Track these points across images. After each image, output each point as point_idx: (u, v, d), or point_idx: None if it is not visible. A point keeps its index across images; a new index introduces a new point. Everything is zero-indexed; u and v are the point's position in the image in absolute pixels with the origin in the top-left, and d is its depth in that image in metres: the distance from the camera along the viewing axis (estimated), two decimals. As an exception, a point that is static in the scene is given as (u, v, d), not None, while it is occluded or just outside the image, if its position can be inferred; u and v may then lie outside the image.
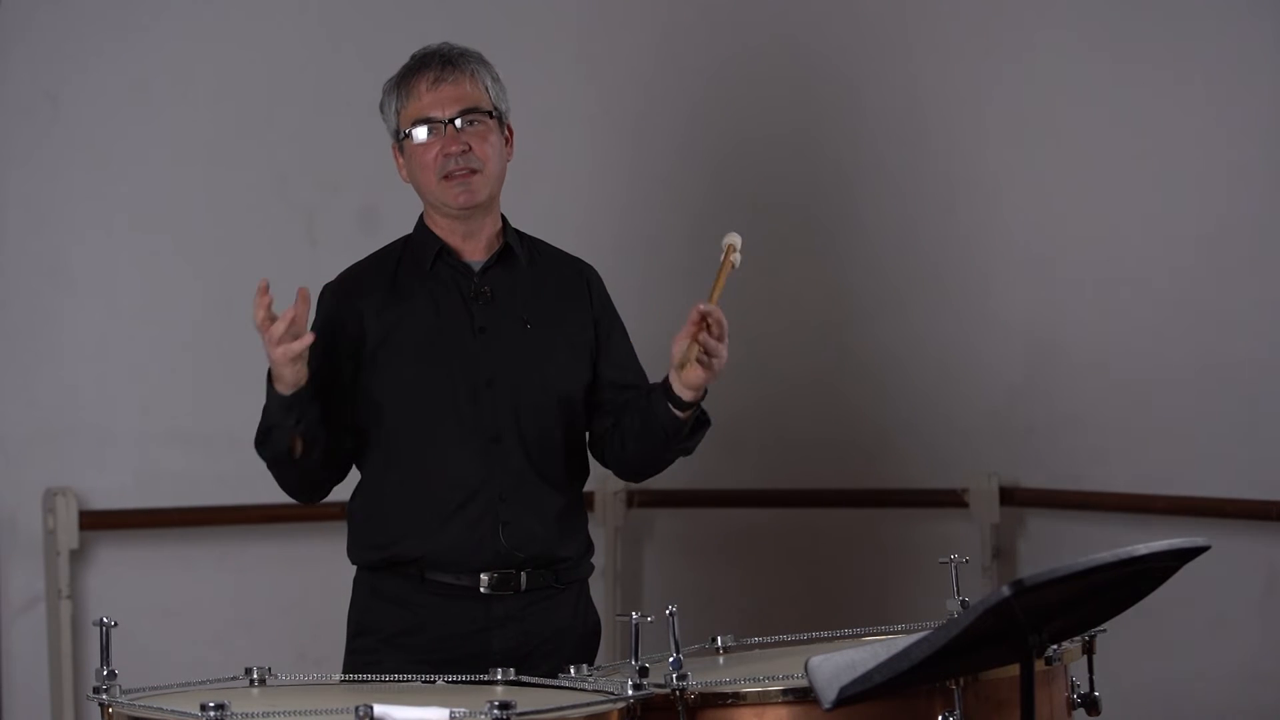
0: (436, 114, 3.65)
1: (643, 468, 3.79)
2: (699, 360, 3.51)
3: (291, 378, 3.50)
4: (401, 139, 3.69)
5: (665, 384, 3.59)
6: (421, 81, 3.67)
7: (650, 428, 3.64)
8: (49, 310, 5.13)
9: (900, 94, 5.42)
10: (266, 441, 3.59)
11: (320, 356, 3.60)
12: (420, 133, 3.65)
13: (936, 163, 5.37)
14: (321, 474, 3.68)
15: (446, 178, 3.65)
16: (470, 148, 3.65)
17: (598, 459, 3.81)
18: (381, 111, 3.73)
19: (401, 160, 3.72)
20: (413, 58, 3.72)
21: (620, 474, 3.86)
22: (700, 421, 3.65)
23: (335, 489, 3.88)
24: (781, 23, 5.57)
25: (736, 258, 3.61)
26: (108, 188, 5.17)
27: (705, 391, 3.60)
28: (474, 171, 3.66)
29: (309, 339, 3.47)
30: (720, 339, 3.53)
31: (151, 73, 5.20)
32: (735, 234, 3.63)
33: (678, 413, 3.59)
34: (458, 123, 3.65)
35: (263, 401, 3.60)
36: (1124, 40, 5.04)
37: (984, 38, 5.28)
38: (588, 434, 3.79)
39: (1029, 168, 5.22)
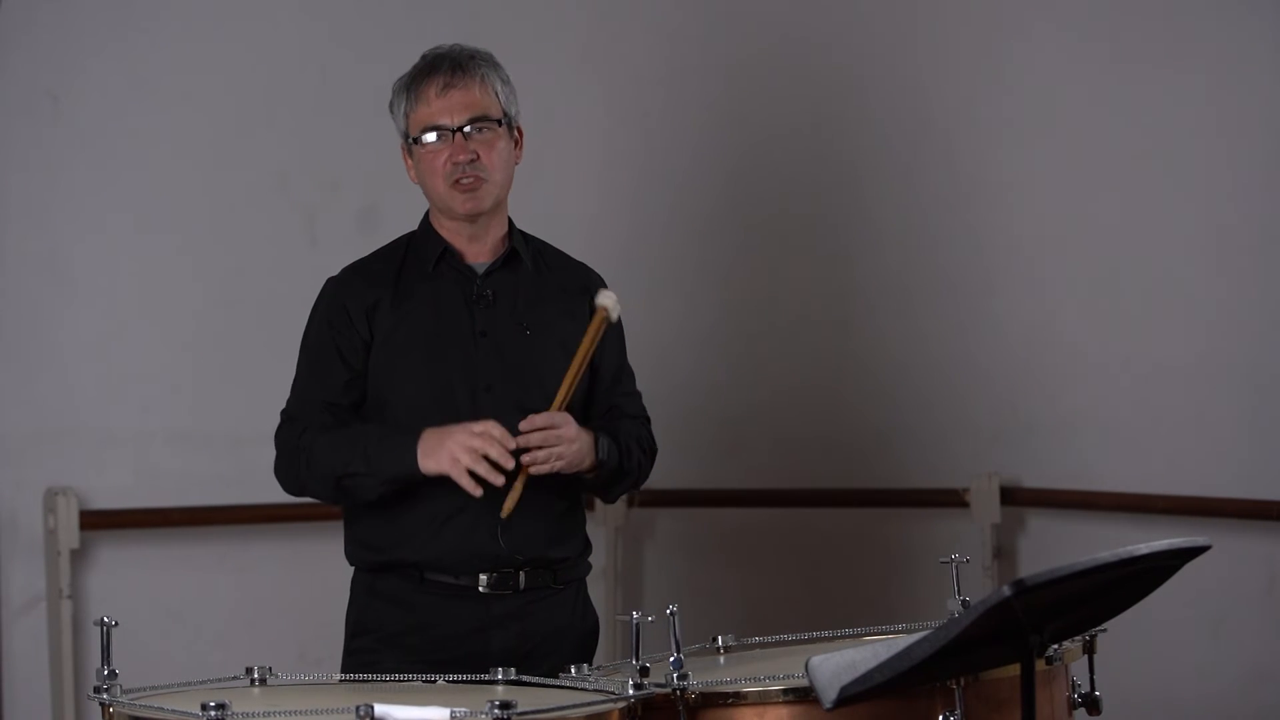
0: (445, 121, 3.65)
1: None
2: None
3: (438, 473, 3.54)
4: (411, 143, 3.70)
5: None
6: (431, 86, 3.67)
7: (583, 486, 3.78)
8: (49, 310, 5.12)
9: (902, 95, 5.42)
10: (352, 478, 3.60)
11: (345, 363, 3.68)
12: (429, 139, 3.66)
13: (937, 163, 5.37)
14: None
15: (454, 185, 3.66)
16: (478, 156, 3.65)
17: None
18: (391, 111, 3.74)
19: (410, 161, 3.73)
20: (423, 58, 3.72)
21: None
22: (624, 469, 3.73)
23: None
24: (786, 25, 5.57)
25: (615, 314, 3.65)
26: (108, 187, 5.16)
27: (599, 459, 3.66)
28: (481, 180, 3.66)
29: (500, 478, 3.53)
30: (556, 442, 3.58)
31: (152, 72, 5.20)
32: (607, 294, 3.68)
33: (588, 476, 3.70)
34: (466, 130, 3.65)
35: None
36: (1124, 39, 5.04)
37: (984, 38, 5.28)
38: None
39: (1029, 168, 5.22)
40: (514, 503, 3.55)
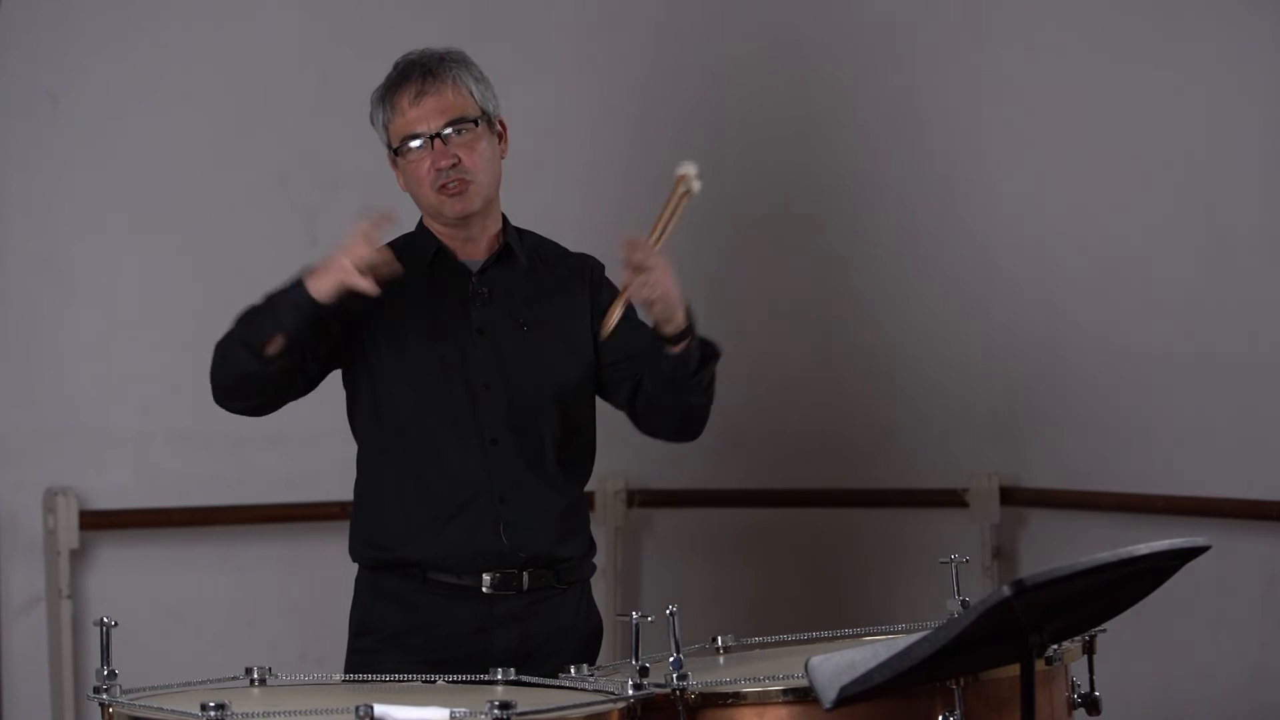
0: (422, 129, 3.65)
1: (678, 423, 3.74)
2: (643, 299, 3.49)
3: (332, 288, 3.48)
4: (394, 153, 3.70)
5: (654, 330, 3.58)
6: (404, 96, 3.67)
7: (660, 378, 3.63)
8: (49, 310, 5.13)
9: (899, 93, 5.42)
10: (252, 322, 3.55)
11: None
12: (410, 148, 3.66)
13: (936, 162, 5.37)
14: (264, 383, 3.61)
15: (439, 190, 3.66)
16: (460, 160, 3.65)
17: (643, 430, 3.77)
18: (372, 123, 3.75)
19: (398, 171, 3.73)
20: (395, 67, 3.72)
21: (667, 436, 3.79)
22: (706, 355, 3.62)
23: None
24: (780, 23, 5.57)
25: (696, 185, 3.52)
26: (108, 187, 5.17)
27: (691, 324, 3.56)
28: (466, 182, 3.66)
29: (389, 255, 3.48)
30: (651, 269, 3.47)
31: (152, 72, 5.20)
32: (689, 164, 3.55)
33: (673, 349, 3.57)
34: (445, 134, 3.65)
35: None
36: (1124, 40, 5.04)
37: (982, 37, 5.28)
38: (626, 409, 3.75)
39: (1028, 167, 5.22)
40: (615, 319, 3.49)
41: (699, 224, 5.65)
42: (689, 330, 3.56)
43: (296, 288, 3.53)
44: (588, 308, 3.76)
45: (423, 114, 3.66)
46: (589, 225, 5.42)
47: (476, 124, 3.67)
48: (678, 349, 3.56)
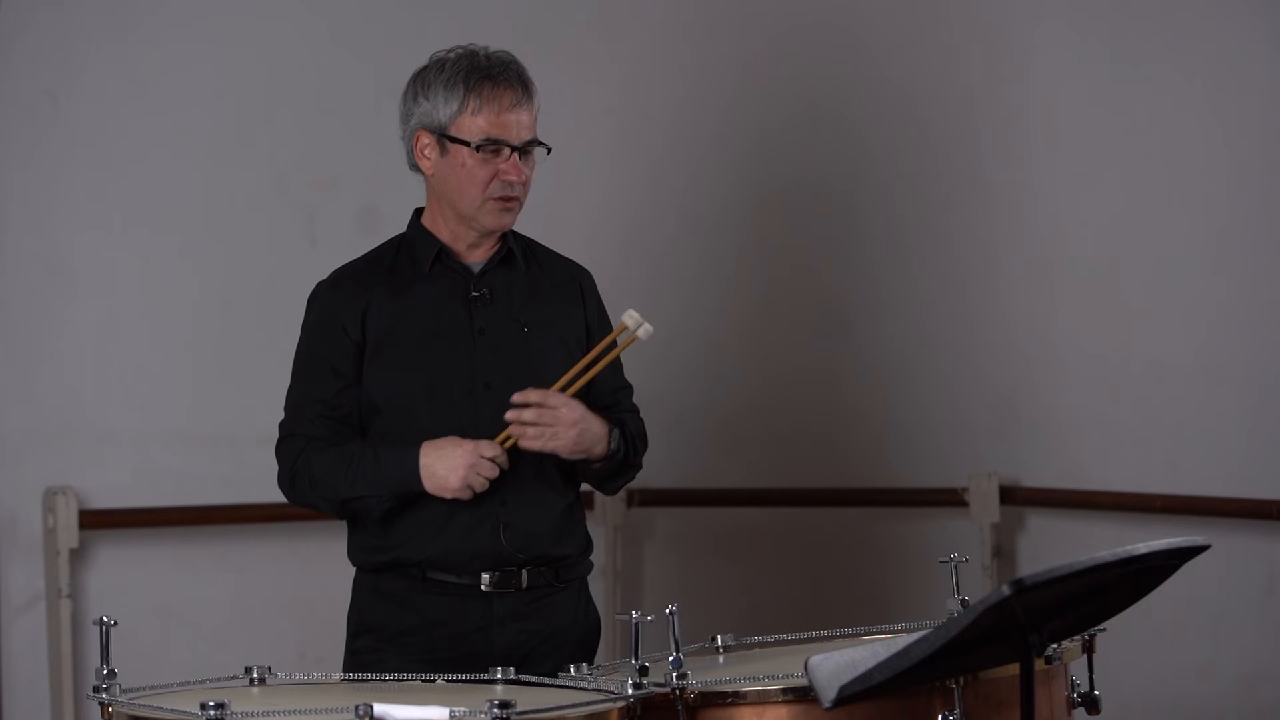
0: (511, 138, 3.63)
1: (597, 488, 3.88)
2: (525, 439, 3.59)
3: (452, 496, 3.58)
4: (451, 139, 3.64)
5: None
6: (504, 97, 3.62)
7: (579, 475, 3.77)
8: (49, 310, 5.12)
9: (902, 95, 5.42)
10: (355, 507, 3.64)
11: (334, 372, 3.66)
12: (489, 149, 3.61)
13: (935, 162, 5.37)
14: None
15: (494, 199, 3.64)
16: (526, 178, 3.65)
17: None
18: (425, 93, 3.65)
19: (429, 151, 3.67)
20: (478, 56, 3.66)
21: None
22: (626, 464, 3.74)
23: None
24: (789, 26, 5.57)
25: (642, 332, 3.58)
26: (108, 187, 5.16)
27: (613, 448, 3.67)
28: (518, 201, 3.66)
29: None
30: (550, 423, 3.57)
31: (151, 72, 5.20)
32: (632, 312, 3.60)
33: (594, 465, 3.69)
34: (526, 150, 3.65)
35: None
36: (1125, 39, 5.04)
37: (985, 38, 5.28)
38: None
39: (1029, 166, 5.22)
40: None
41: (700, 224, 5.67)
42: (611, 451, 3.67)
43: (410, 480, 3.58)
44: (582, 314, 3.77)
45: (518, 124, 3.63)
46: (594, 224, 5.45)
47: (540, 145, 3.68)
48: (598, 466, 3.69)
